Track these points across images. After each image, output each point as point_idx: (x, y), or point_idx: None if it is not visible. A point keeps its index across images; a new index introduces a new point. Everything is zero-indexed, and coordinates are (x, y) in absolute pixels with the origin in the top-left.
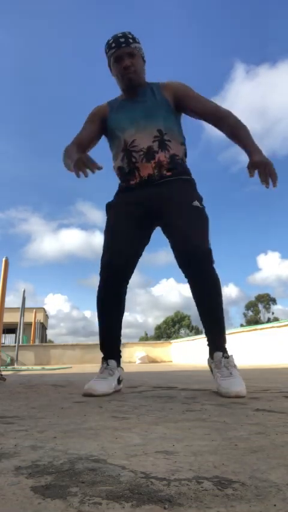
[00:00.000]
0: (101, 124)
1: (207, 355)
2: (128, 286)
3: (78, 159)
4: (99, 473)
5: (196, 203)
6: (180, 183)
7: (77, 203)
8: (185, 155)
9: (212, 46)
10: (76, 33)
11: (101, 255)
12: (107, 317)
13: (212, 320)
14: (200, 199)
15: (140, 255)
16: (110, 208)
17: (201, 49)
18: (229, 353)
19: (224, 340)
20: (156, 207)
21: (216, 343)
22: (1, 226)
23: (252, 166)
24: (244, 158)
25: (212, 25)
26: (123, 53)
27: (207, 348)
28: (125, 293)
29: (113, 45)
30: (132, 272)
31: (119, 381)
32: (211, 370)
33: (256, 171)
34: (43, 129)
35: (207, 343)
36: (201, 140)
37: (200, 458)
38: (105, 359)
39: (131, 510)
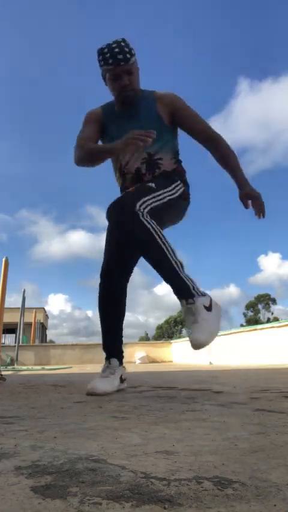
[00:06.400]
0: (100, 128)
1: (206, 355)
2: (127, 286)
3: (131, 136)
4: (99, 473)
5: (151, 184)
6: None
7: (86, 206)
8: (178, 169)
9: (216, 63)
10: (76, 33)
11: None
12: (107, 318)
13: (163, 271)
14: (161, 185)
15: (137, 257)
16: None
17: (206, 66)
18: (198, 293)
19: (184, 288)
20: None
21: (178, 293)
22: (10, 228)
23: (246, 197)
24: (244, 165)
25: (217, 42)
26: (121, 71)
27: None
28: (124, 294)
29: (110, 61)
30: (129, 273)
31: (122, 380)
32: None
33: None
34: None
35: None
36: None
37: (200, 458)
38: (107, 358)
39: (131, 510)
